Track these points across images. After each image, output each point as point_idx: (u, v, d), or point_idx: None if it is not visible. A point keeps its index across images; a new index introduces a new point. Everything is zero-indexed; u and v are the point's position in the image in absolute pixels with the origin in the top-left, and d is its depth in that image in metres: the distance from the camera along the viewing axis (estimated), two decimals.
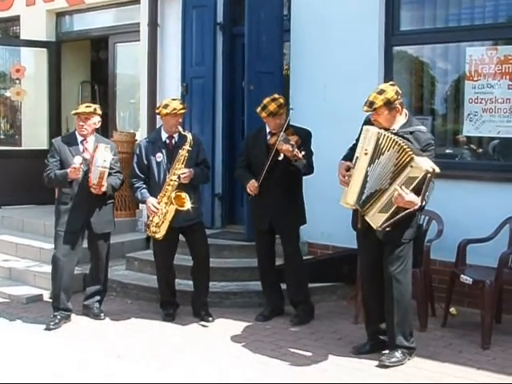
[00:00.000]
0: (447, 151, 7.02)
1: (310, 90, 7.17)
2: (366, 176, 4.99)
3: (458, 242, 5.99)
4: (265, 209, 6.16)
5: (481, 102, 6.56)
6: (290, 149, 5.72)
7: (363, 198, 5.02)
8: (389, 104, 4.98)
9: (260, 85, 7.48)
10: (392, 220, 4.91)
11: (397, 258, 5.10)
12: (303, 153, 5.76)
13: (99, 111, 6.29)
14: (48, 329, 6.10)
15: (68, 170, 6.00)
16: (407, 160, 4.81)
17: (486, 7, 6.61)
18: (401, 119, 5.10)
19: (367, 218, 5.06)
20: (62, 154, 6.19)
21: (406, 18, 7.00)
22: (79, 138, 6.24)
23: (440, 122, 7.10)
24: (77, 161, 5.97)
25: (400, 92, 5.08)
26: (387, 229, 4.96)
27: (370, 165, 4.97)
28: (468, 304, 6.33)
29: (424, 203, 4.87)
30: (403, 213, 4.86)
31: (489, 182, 6.36)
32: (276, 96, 6.09)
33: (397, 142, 4.87)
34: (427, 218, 6.21)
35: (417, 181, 4.79)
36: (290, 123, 6.08)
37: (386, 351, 5.23)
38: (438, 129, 7.08)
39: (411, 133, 5.01)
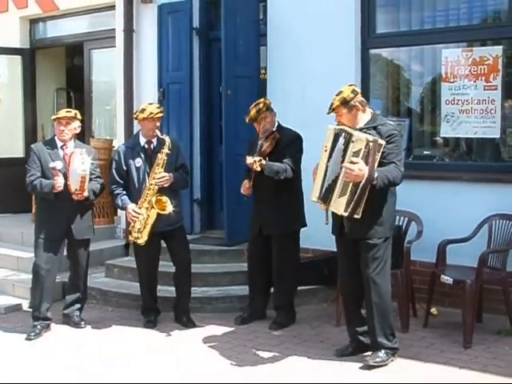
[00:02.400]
0: (425, 153, 7.07)
1: (287, 93, 7.18)
2: (326, 171, 5.09)
3: (437, 243, 6.02)
4: (256, 214, 6.22)
5: (457, 103, 6.61)
6: (249, 161, 5.84)
7: (323, 191, 5.10)
8: (345, 103, 5.10)
9: (237, 89, 7.48)
10: (353, 201, 4.90)
11: (372, 259, 5.10)
12: (261, 163, 5.78)
13: (79, 116, 6.29)
14: (29, 339, 6.04)
15: (55, 183, 5.94)
16: (348, 137, 4.96)
17: (460, 9, 6.67)
18: (365, 117, 5.16)
19: (332, 209, 5.08)
20: (42, 159, 6.13)
21: (382, 20, 7.04)
22: (59, 144, 6.20)
23: (417, 123, 7.15)
24: (58, 164, 5.94)
25: (357, 91, 5.17)
26: (355, 215, 4.93)
27: (328, 160, 5.09)
28: (449, 304, 6.35)
29: (376, 175, 4.82)
30: (359, 189, 4.86)
31: (467, 183, 6.40)
32: (259, 101, 6.14)
33: (344, 129, 5.00)
34: (406, 219, 6.24)
35: (361, 153, 4.87)
36: (283, 125, 6.16)
37: (369, 353, 5.24)
38: (415, 130, 7.13)
39: (374, 128, 5.06)
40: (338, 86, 6.92)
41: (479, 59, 6.49)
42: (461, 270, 5.88)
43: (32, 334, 6.09)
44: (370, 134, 4.98)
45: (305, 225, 6.29)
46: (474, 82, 6.52)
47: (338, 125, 5.18)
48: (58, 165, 5.97)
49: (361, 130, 5.04)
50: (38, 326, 6.15)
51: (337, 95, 5.17)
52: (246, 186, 6.12)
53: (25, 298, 7.03)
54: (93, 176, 6.18)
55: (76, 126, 6.23)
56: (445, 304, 6.39)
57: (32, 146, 6.39)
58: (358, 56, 7.02)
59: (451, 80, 6.64)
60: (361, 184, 4.85)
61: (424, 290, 6.02)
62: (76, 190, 5.94)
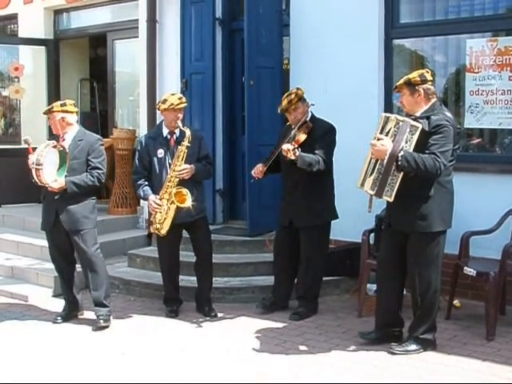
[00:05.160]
0: None
1: (310, 83, 7.14)
2: (371, 158, 5.07)
3: (460, 235, 5.99)
4: (286, 206, 6.19)
5: (482, 94, 6.55)
6: (284, 148, 5.75)
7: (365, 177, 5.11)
8: (409, 84, 5.09)
9: (260, 80, 7.49)
10: (379, 180, 4.92)
11: (418, 251, 5.10)
12: (295, 152, 5.72)
13: (59, 108, 6.06)
14: (55, 322, 6.18)
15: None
16: (386, 120, 5.03)
17: None
18: (425, 106, 5.10)
19: (365, 189, 5.08)
20: None
21: (406, 10, 6.98)
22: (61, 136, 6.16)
23: None
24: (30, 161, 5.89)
25: (427, 78, 5.11)
26: (385, 197, 4.94)
27: None
28: (472, 296, 6.33)
29: (401, 154, 4.79)
30: (384, 166, 4.87)
31: (491, 174, 6.37)
32: (291, 91, 6.14)
33: (390, 115, 5.04)
34: None
35: (391, 132, 4.90)
36: (316, 116, 6.14)
37: (394, 343, 5.27)
38: None
39: (428, 117, 5.00)
40: (361, 77, 6.95)
41: (504, 49, 6.43)
42: (484, 262, 5.84)
43: (59, 317, 6.24)
44: (420, 122, 4.93)
45: (336, 217, 6.26)
46: (499, 72, 6.46)
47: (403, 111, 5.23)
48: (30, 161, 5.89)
49: (415, 118, 5.02)
50: (66, 311, 6.28)
51: (406, 75, 5.20)
52: (259, 169, 6.09)
53: (48, 287, 7.12)
54: (89, 167, 6.04)
55: (58, 118, 6.04)
56: (468, 296, 6.36)
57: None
58: (382, 46, 6.98)
59: (475, 70, 6.58)
60: (384, 161, 4.85)
61: (447, 282, 5.97)
62: (35, 182, 5.85)
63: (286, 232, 6.25)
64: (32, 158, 5.80)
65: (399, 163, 4.80)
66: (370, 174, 5.01)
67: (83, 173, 6.01)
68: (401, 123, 4.88)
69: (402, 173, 4.85)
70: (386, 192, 4.92)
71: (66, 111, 6.08)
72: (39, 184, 5.89)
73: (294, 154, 5.73)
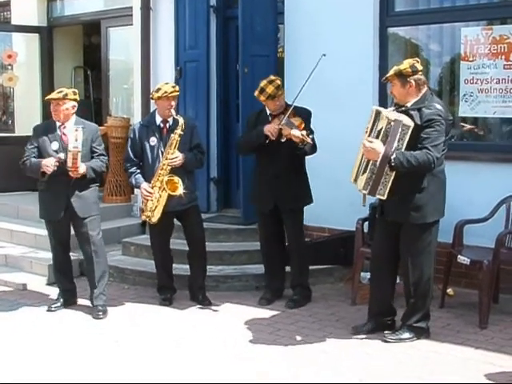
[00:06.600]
0: None
1: (304, 72, 7.11)
2: (363, 155, 5.05)
3: (454, 223, 5.99)
4: (270, 190, 6.10)
5: (476, 83, 6.54)
6: (297, 134, 5.69)
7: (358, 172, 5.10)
8: (400, 76, 5.04)
9: (254, 68, 7.45)
10: (372, 180, 4.91)
11: (411, 240, 5.10)
12: (311, 136, 5.73)
13: (73, 96, 6.02)
14: (50, 310, 6.19)
15: (42, 163, 5.85)
16: (378, 116, 4.97)
17: None
18: (416, 97, 5.07)
19: (358, 188, 5.07)
20: (40, 141, 6.01)
21: None
22: (58, 124, 6.07)
23: None
24: (61, 155, 5.87)
25: (418, 68, 5.07)
26: (379, 196, 4.95)
27: None
28: (465, 285, 6.34)
29: (394, 156, 4.78)
30: (377, 167, 4.85)
31: (485, 163, 6.36)
32: (272, 78, 6.07)
33: (381, 109, 4.99)
34: None
35: (382, 131, 4.85)
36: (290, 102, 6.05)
37: (388, 331, 5.28)
38: None
39: (419, 109, 4.98)
40: (355, 65, 6.93)
41: (499, 38, 6.41)
42: (478, 251, 5.85)
43: (53, 305, 6.25)
44: (412, 114, 4.92)
45: (312, 201, 6.26)
46: (494, 60, 6.44)
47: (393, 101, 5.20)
48: (61, 155, 5.88)
49: (406, 109, 5.00)
50: (61, 299, 6.29)
51: (396, 65, 5.15)
52: (274, 127, 5.86)
53: (42, 275, 7.12)
54: (95, 154, 6.07)
55: (69, 106, 6.00)
56: (461, 285, 6.37)
57: (34, 127, 6.28)
58: (377, 34, 6.95)
59: (470, 59, 6.57)
60: (377, 162, 4.84)
61: (440, 271, 5.98)
62: (69, 167, 5.82)
63: (269, 219, 6.22)
64: (69, 145, 5.81)
65: (392, 164, 4.81)
66: (363, 173, 4.98)
67: (89, 160, 6.02)
68: (392, 123, 4.82)
69: (394, 171, 4.86)
70: (379, 191, 4.92)
71: (76, 100, 6.10)
72: (69, 169, 5.79)
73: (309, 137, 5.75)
